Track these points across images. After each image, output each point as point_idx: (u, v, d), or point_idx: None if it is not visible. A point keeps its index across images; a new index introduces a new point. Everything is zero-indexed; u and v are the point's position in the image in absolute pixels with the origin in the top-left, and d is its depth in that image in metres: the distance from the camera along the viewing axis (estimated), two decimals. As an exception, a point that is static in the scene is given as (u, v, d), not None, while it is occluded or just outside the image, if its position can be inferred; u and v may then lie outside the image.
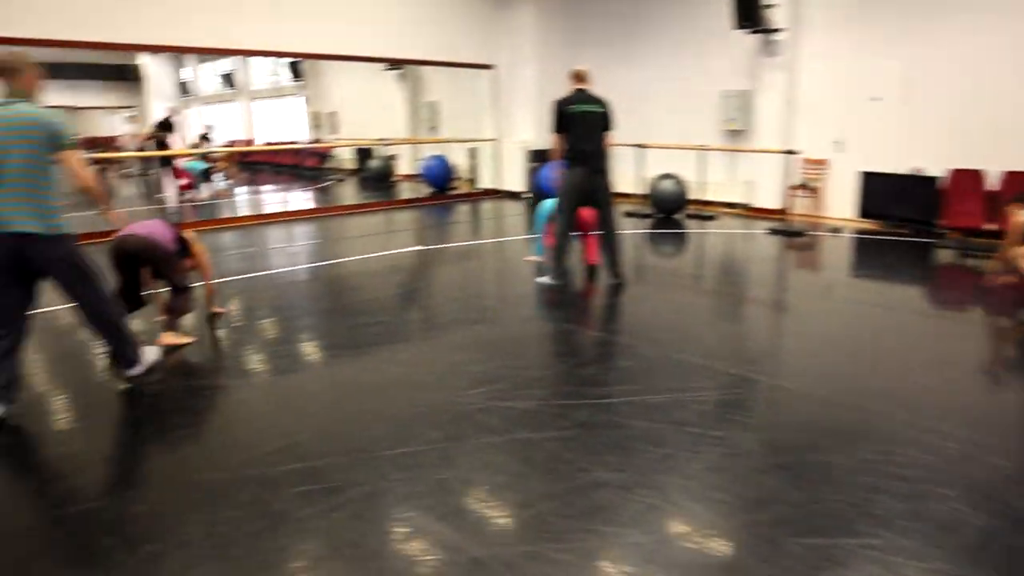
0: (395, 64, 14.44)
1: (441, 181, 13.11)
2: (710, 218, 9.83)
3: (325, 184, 15.49)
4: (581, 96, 5.89)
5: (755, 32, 9.39)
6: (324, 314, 5.37)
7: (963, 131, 8.18)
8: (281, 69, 19.55)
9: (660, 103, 11.19)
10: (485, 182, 12.87)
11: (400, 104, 15.71)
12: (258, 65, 20.91)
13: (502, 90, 12.19)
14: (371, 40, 10.37)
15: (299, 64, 18.23)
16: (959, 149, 8.21)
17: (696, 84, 10.73)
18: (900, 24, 8.57)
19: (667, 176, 9.88)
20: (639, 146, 10.31)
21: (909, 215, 8.59)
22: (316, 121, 18.89)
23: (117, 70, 21.60)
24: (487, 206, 11.49)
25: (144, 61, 20.87)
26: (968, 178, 8.05)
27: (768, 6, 9.17)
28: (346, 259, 7.33)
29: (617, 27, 11.60)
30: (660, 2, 11.00)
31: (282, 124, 20.53)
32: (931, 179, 8.42)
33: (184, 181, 12.65)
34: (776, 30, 9.30)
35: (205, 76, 23.44)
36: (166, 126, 12.68)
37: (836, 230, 8.82)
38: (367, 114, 16.89)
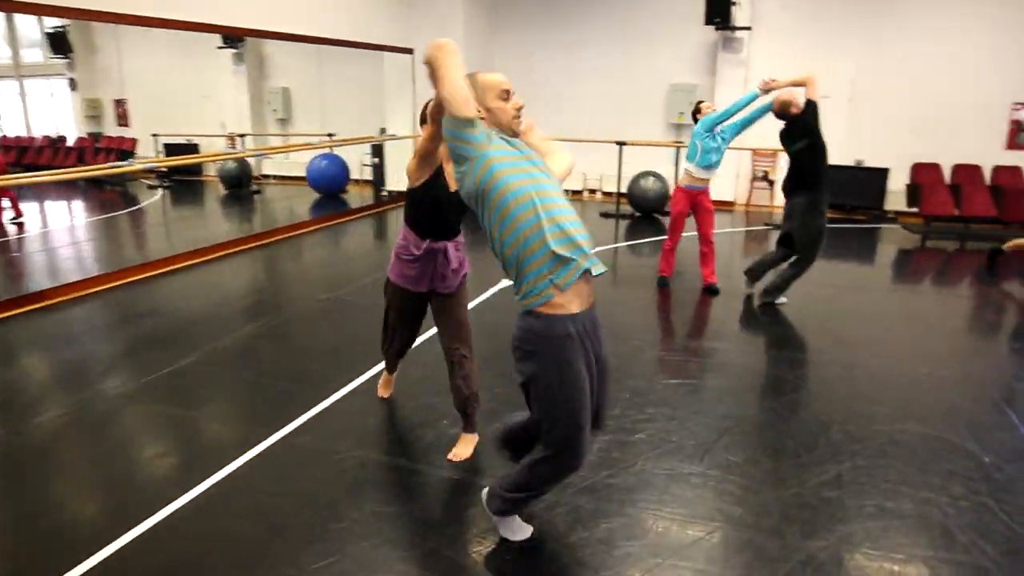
0: (230, 40, 12.14)
1: (334, 185, 11.49)
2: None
3: (148, 198, 12.38)
4: None
5: (720, 29, 9.96)
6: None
7: (905, 127, 9.82)
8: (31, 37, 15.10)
9: (604, 94, 11.27)
10: (398, 184, 11.60)
11: (236, 91, 13.26)
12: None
13: (421, 78, 11.04)
14: (270, 12, 8.35)
15: (64, 34, 14.22)
16: (901, 144, 9.84)
17: (643, 76, 11.02)
18: (848, 29, 9.89)
19: (648, 174, 10.02)
20: (617, 142, 10.25)
21: (859, 203, 10.03)
22: (92, 111, 14.97)
23: None
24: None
25: None
26: (931, 171, 9.65)
27: (732, 3, 9.79)
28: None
29: (557, 12, 11.35)
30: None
31: (33, 113, 15.99)
32: (881, 170, 9.91)
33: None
34: (742, 28, 9.97)
35: None
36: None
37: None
38: (178, 103, 13.91)
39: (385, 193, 11.42)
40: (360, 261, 7.50)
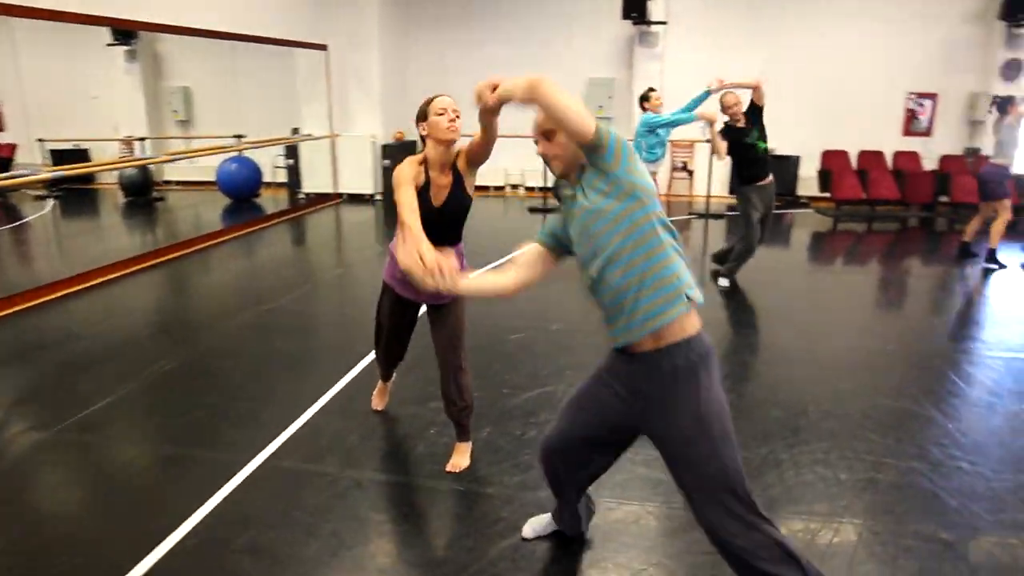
0: (121, 36, 11.35)
1: (246, 190, 10.96)
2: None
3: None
4: None
5: (637, 23, 10.17)
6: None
7: (813, 116, 10.36)
8: None
9: (520, 91, 11.27)
10: (316, 186, 11.20)
11: (130, 91, 12.39)
12: None
13: (336, 75, 10.71)
14: (167, 5, 7.82)
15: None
16: (810, 132, 10.37)
17: (561, 71, 11.09)
18: (758, 23, 10.34)
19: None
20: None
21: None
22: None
23: None
24: (327, 218, 10.07)
25: None
26: (839, 157, 10.22)
27: (648, -1, 10.03)
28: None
29: (472, 8, 11.25)
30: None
31: None
32: (793, 158, 10.41)
33: None
34: (658, 22, 10.21)
35: None
36: None
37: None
38: (63, 105, 12.85)
39: (302, 196, 11.00)
40: (287, 270, 7.12)
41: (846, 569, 2.42)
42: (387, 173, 10.78)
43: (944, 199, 9.64)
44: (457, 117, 2.67)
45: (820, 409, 3.68)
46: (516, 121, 9.90)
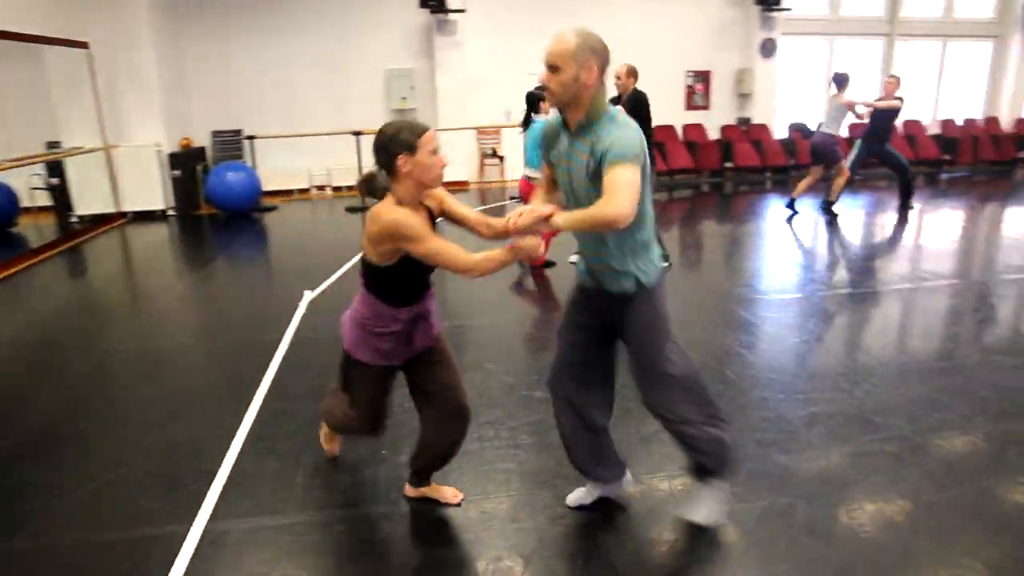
0: None
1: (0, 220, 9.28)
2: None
3: None
4: None
5: (435, 12, 10.10)
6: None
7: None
8: None
9: (318, 83, 10.71)
10: (92, 206, 9.74)
11: None
12: None
13: (102, 77, 9.36)
14: None
15: None
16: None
17: (359, 62, 10.71)
18: (552, 9, 10.73)
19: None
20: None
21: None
22: None
23: None
24: (112, 242, 8.93)
25: None
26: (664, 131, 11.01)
27: (444, -15, 10.00)
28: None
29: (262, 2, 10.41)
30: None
31: None
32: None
33: None
34: (456, 10, 10.21)
35: None
36: None
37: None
38: None
39: (75, 220, 9.52)
40: (93, 305, 6.05)
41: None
42: (177, 184, 9.69)
43: (729, 164, 10.80)
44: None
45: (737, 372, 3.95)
46: (317, 120, 9.46)
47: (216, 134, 10.61)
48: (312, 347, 4.37)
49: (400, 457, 2.99)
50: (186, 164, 9.79)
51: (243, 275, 6.84)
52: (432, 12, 10.12)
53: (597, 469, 2.54)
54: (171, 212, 9.81)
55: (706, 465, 2.40)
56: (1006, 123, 12.68)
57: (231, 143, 10.70)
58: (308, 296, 5.41)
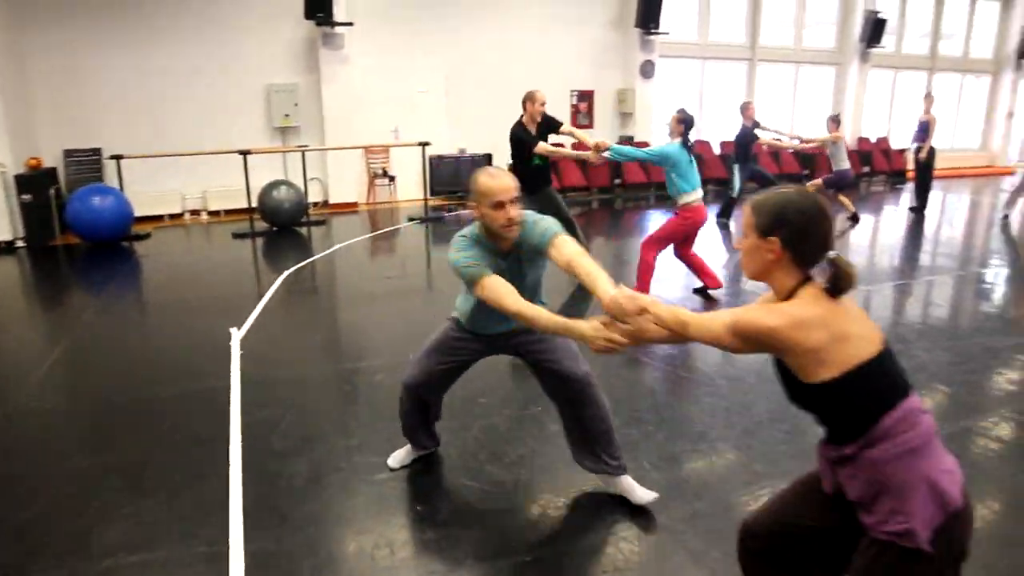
0: None
1: None
2: (321, 223, 9.83)
3: None
4: None
5: (321, 24, 9.69)
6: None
7: (495, 114, 11.03)
8: None
9: (190, 98, 9.91)
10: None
11: None
12: None
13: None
14: None
15: None
16: (495, 130, 11.06)
17: (237, 76, 10.04)
18: (438, 26, 10.65)
19: (280, 183, 9.26)
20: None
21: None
22: None
23: None
24: None
25: None
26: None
27: (331, -1, 9.62)
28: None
29: (115, 3, 9.44)
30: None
31: None
32: (486, 156, 11.05)
33: None
34: (343, 24, 9.84)
35: None
36: None
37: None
38: None
39: None
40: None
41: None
42: (27, 210, 8.54)
43: (618, 181, 11.17)
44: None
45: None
46: (189, 138, 8.85)
47: (69, 153, 9.50)
48: (271, 389, 3.96)
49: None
50: (38, 187, 8.67)
51: (147, 316, 6.11)
52: (318, 24, 9.68)
53: (421, 438, 3.02)
54: (20, 243, 8.63)
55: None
56: (850, 141, 14.12)
57: (88, 163, 9.62)
58: (237, 334, 4.92)
